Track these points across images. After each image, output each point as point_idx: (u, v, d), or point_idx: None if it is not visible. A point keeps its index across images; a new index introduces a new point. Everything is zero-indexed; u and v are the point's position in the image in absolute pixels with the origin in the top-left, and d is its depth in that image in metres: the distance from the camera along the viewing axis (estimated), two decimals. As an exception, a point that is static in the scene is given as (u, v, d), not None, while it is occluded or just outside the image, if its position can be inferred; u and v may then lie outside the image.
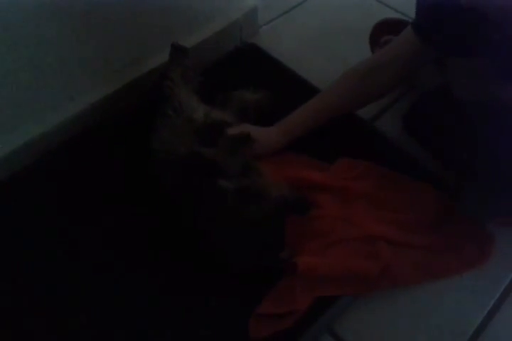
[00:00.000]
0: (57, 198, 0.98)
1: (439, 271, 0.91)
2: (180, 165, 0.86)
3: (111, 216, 0.95)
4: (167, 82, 0.97)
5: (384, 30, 1.18)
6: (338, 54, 1.26)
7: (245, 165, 0.87)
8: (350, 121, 1.09)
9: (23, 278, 0.88)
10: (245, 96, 1.07)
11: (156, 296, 0.86)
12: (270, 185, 0.88)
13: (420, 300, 0.89)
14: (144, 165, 0.95)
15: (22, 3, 0.83)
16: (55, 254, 0.90)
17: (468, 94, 0.96)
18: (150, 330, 0.82)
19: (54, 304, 0.85)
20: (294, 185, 0.94)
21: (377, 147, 1.06)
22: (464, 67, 0.95)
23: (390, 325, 0.86)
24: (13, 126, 0.98)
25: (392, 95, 1.16)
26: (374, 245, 0.90)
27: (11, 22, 0.83)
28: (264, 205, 0.84)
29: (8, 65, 0.89)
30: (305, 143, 1.02)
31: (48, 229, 0.93)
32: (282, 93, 1.11)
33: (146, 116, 0.98)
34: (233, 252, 0.85)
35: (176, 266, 0.89)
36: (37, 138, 1.01)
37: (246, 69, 1.20)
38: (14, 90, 0.93)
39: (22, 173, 1.01)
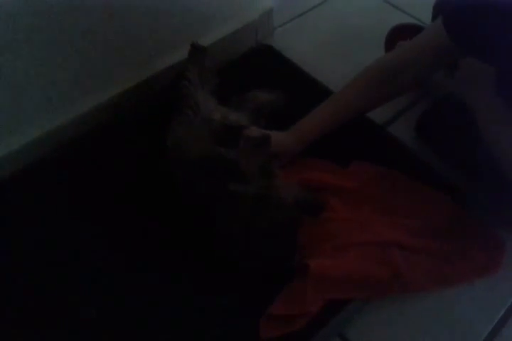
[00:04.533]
0: (68, 193, 0.98)
1: (450, 277, 0.90)
2: (198, 165, 0.86)
3: (122, 214, 0.95)
4: (184, 82, 0.97)
5: (399, 36, 1.18)
6: (351, 57, 1.26)
7: (261, 167, 0.87)
8: (364, 125, 1.10)
9: (32, 273, 0.88)
10: (259, 97, 1.07)
11: (167, 295, 0.85)
12: (284, 187, 0.88)
13: (431, 306, 0.89)
14: (157, 164, 0.95)
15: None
16: (65, 249, 0.90)
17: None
18: (161, 329, 0.82)
19: (64, 298, 0.85)
20: (306, 187, 0.94)
21: (391, 152, 1.06)
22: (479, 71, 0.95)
23: (400, 331, 0.86)
24: (27, 119, 0.98)
25: (406, 100, 1.17)
26: (385, 250, 0.90)
27: (23, 14, 0.83)
28: (280, 208, 0.84)
29: (23, 59, 0.89)
30: (318, 147, 1.02)
31: (59, 223, 0.93)
32: (296, 94, 1.11)
33: (161, 114, 0.98)
34: (246, 253, 0.85)
35: (187, 266, 0.88)
36: (50, 133, 1.01)
37: (260, 71, 1.20)
38: (28, 84, 0.93)
39: (34, 167, 1.01)
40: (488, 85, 0.88)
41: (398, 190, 0.99)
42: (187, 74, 0.98)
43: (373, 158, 1.03)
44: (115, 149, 1.04)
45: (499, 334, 0.87)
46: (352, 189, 0.97)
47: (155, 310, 0.84)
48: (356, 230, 0.92)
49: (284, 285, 0.86)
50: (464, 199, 0.98)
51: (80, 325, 0.82)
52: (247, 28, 1.24)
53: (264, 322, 0.82)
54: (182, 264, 0.89)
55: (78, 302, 0.85)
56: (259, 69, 1.20)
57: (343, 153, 1.03)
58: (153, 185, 0.97)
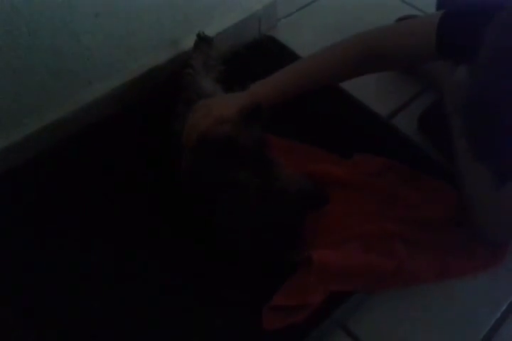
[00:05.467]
0: (70, 185, 0.97)
1: (453, 271, 0.90)
2: (198, 152, 0.85)
3: (126, 205, 0.94)
4: (188, 70, 0.97)
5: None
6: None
7: (264, 158, 0.86)
8: (367, 117, 1.09)
9: (31, 268, 0.87)
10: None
11: (167, 289, 0.85)
12: (287, 176, 0.87)
13: (434, 299, 0.88)
14: (162, 153, 0.95)
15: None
16: (68, 239, 0.90)
17: None
18: (161, 322, 0.82)
19: (66, 290, 0.84)
20: (310, 179, 0.94)
21: (394, 144, 1.06)
22: None
23: (403, 323, 0.86)
24: (30, 111, 0.97)
25: (410, 93, 1.17)
26: (388, 242, 0.90)
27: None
28: (282, 198, 0.83)
29: (27, 50, 0.88)
30: (321, 139, 1.01)
31: (58, 218, 0.92)
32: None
33: (165, 104, 0.97)
34: (247, 244, 0.84)
35: (188, 260, 0.88)
36: (54, 124, 1.00)
37: (263, 62, 1.19)
38: (32, 75, 0.92)
39: (36, 159, 1.00)
40: None
41: (401, 183, 0.98)
42: (191, 62, 0.97)
43: (376, 149, 1.02)
44: (119, 140, 1.03)
45: (499, 331, 0.87)
46: (355, 181, 0.97)
47: (156, 304, 0.83)
48: (359, 222, 0.92)
49: (286, 277, 0.85)
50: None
51: (80, 320, 0.82)
52: (251, 19, 1.23)
53: (267, 313, 0.81)
54: (182, 259, 0.88)
55: (79, 297, 0.84)
56: (262, 60, 1.20)
57: (346, 145, 1.03)
58: (156, 177, 0.96)
